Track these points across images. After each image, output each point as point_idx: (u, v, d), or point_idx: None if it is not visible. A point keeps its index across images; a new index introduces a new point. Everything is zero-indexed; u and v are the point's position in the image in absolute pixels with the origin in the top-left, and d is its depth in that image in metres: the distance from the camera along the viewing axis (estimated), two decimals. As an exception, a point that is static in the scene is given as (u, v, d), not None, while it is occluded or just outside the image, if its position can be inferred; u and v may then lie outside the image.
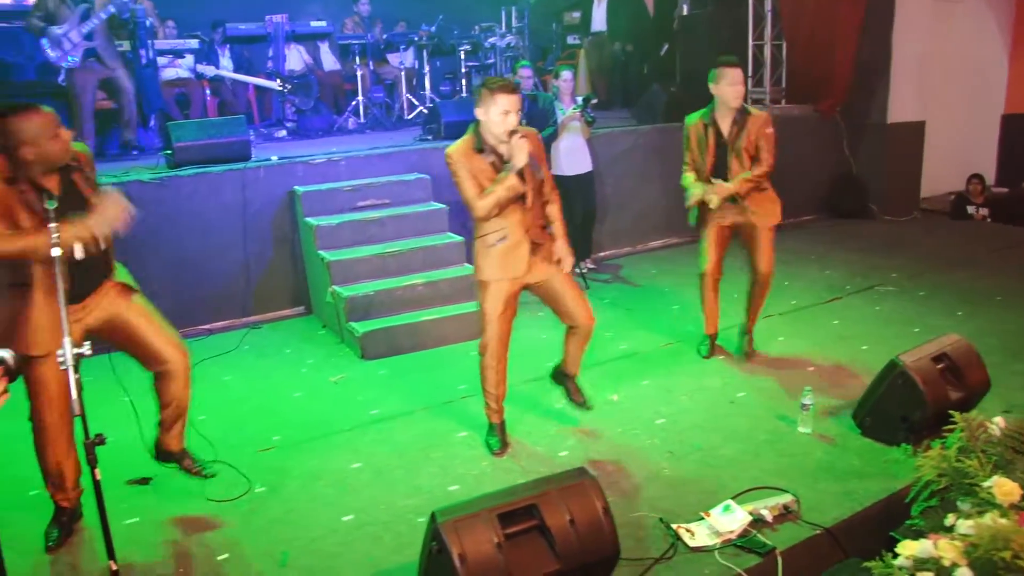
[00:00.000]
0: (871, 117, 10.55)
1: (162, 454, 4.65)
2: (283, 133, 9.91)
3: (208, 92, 10.60)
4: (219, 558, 4.09)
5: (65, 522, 4.28)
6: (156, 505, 4.59)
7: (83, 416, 2.81)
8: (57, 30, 8.05)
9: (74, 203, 3.81)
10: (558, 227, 4.93)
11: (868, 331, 6.70)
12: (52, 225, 3.26)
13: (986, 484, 3.61)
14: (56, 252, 2.87)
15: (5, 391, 2.25)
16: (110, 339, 4.23)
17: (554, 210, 4.91)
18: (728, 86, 5.75)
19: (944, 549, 3.22)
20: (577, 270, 8.35)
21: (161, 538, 4.27)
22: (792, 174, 10.21)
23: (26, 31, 8.42)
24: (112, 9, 8.10)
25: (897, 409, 4.83)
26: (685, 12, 11.58)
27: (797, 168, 10.25)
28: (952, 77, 11.13)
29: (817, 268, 8.54)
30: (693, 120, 5.99)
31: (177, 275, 7.16)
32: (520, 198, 4.62)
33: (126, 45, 8.99)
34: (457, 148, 4.62)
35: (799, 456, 4.82)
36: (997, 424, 3.93)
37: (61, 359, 2.75)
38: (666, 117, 9.52)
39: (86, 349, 2.77)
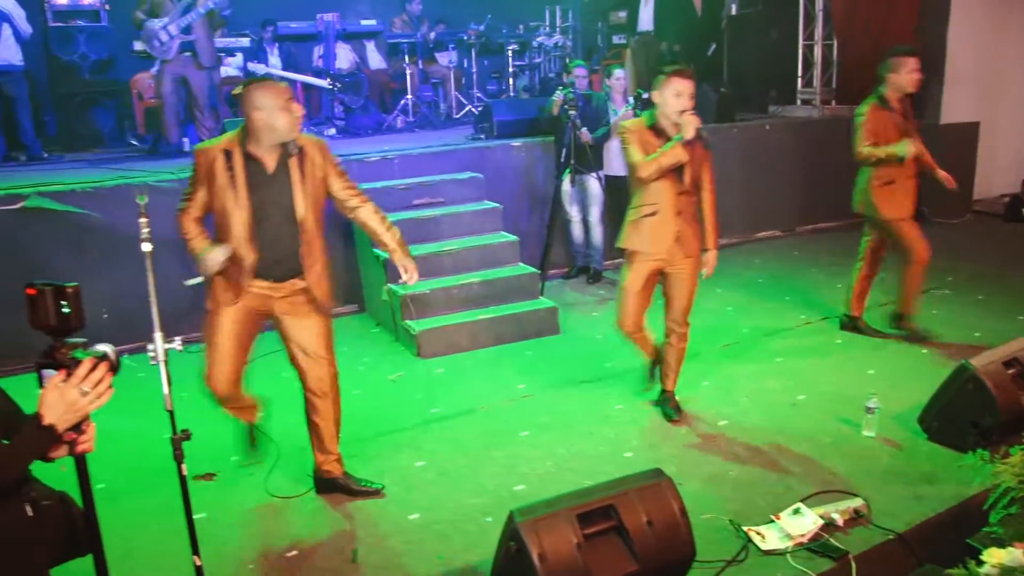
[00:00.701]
0: (924, 118, 10.40)
1: (321, 483, 4.69)
2: (332, 131, 9.94)
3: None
4: (288, 555, 4.10)
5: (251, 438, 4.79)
6: (223, 501, 4.61)
7: (172, 412, 2.82)
8: (156, 24, 8.14)
9: (280, 186, 4.08)
10: (710, 225, 5.25)
11: (936, 335, 6.61)
12: None
13: (1072, 492, 3.56)
14: (146, 247, 2.87)
15: (111, 386, 2.25)
16: (279, 333, 4.46)
17: (709, 207, 5.22)
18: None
19: (1040, 557, 3.17)
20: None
21: (229, 534, 4.29)
22: (841, 176, 10.16)
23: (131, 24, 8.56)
24: (211, 4, 8.18)
25: (967, 414, 4.77)
26: (734, 12, 11.51)
27: (846, 170, 10.16)
28: (1008, 78, 10.98)
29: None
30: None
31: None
32: (678, 179, 4.96)
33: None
34: (633, 122, 5.07)
35: (866, 460, 4.77)
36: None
37: (152, 353, 2.75)
38: (716, 117, 9.47)
39: (176, 344, 2.77)
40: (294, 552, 4.11)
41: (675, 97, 4.84)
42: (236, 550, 4.15)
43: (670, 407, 5.38)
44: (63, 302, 2.21)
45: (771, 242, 9.93)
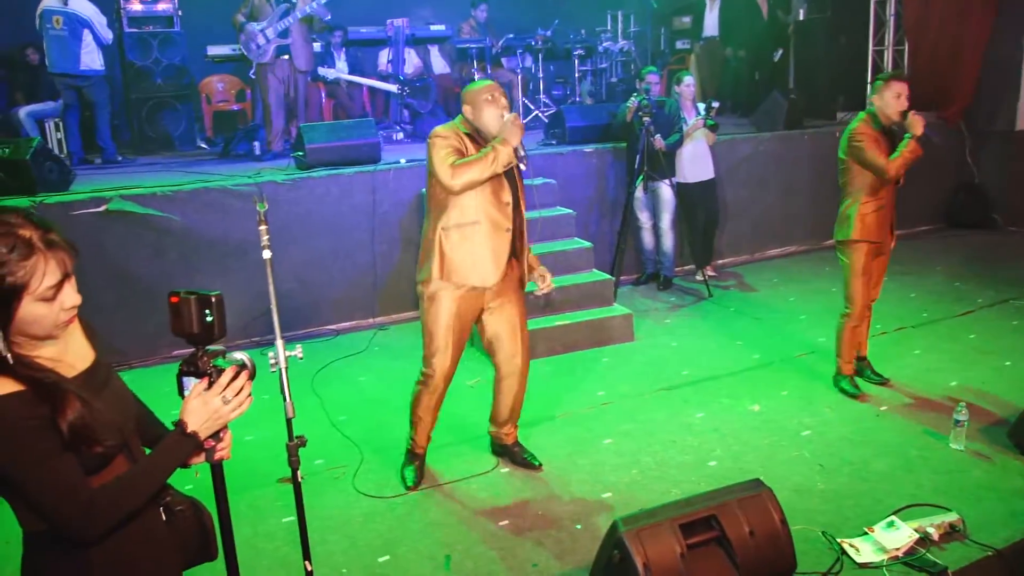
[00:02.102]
0: (997, 124, 10.28)
1: (495, 447, 5.15)
2: (400, 135, 10.02)
3: (324, 94, 10.76)
4: (380, 559, 4.13)
5: (418, 466, 4.88)
6: (310, 503, 4.60)
7: (290, 420, 2.86)
8: (255, 27, 8.28)
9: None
10: None
11: (1009, 346, 6.54)
12: None
13: None
14: (267, 255, 2.91)
15: (250, 394, 2.29)
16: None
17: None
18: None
19: None
20: (699, 277, 8.32)
21: (319, 537, 4.33)
22: (910, 183, 10.03)
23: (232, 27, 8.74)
24: (307, 9, 8.30)
25: (1061, 430, 4.72)
26: (801, 17, 11.43)
27: (916, 177, 10.00)
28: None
29: (944, 279, 8.36)
30: None
31: (306, 275, 7.29)
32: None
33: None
34: (865, 123, 5.45)
35: (956, 473, 4.71)
36: None
37: (273, 360, 2.80)
38: (786, 124, 9.41)
39: (298, 352, 2.81)
40: (386, 558, 4.15)
41: (896, 98, 5.34)
42: (328, 555, 4.19)
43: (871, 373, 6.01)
44: (207, 311, 2.25)
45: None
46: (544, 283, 4.73)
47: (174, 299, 2.28)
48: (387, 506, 4.60)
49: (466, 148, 4.36)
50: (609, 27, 13.10)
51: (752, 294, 8.19)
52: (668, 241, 8.23)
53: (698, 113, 8.16)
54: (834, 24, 10.97)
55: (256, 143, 9.20)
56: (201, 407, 2.23)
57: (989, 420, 5.24)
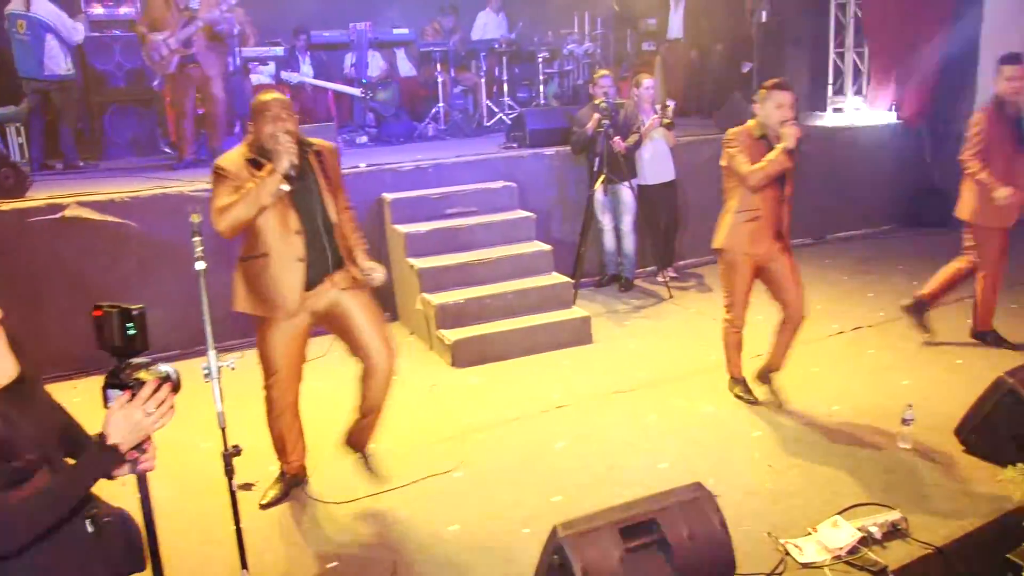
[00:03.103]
0: (955, 125, 10.37)
1: (349, 443, 4.95)
2: (364, 139, 10.02)
3: (288, 98, 10.72)
4: (328, 566, 4.15)
5: (284, 486, 4.77)
6: (260, 513, 4.66)
7: (224, 429, 2.87)
8: (158, 37, 8.23)
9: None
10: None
11: (961, 345, 6.62)
12: None
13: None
14: (200, 266, 2.93)
15: (173, 406, 2.31)
16: (330, 326, 4.61)
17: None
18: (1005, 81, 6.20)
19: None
20: (660, 278, 8.37)
21: (269, 544, 4.35)
22: (871, 183, 10.15)
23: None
24: (208, 17, 8.26)
25: (1007, 428, 4.76)
26: (764, 19, 11.50)
27: (876, 177, 10.17)
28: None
29: (903, 279, 8.43)
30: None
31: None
32: (780, 186, 5.30)
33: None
34: (737, 129, 5.40)
35: (902, 472, 4.78)
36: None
37: (206, 371, 2.81)
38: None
39: (230, 363, 2.83)
40: (334, 564, 4.17)
41: (776, 108, 5.17)
42: (276, 562, 4.21)
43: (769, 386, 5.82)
44: (129, 324, 2.26)
45: (801, 250, 9.86)
46: (373, 280, 4.60)
47: (97, 312, 2.29)
48: (338, 511, 4.61)
49: (245, 180, 4.18)
50: (576, 29, 13.13)
51: (713, 295, 8.23)
52: (629, 243, 8.27)
53: (656, 116, 8.20)
54: (796, 27, 11.05)
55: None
56: (122, 420, 2.25)
57: (939, 418, 5.29)
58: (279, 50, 10.05)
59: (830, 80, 10.67)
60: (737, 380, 5.84)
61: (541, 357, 6.74)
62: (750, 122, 5.36)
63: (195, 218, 2.85)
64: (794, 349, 6.59)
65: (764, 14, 11.48)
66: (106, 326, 2.27)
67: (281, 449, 4.78)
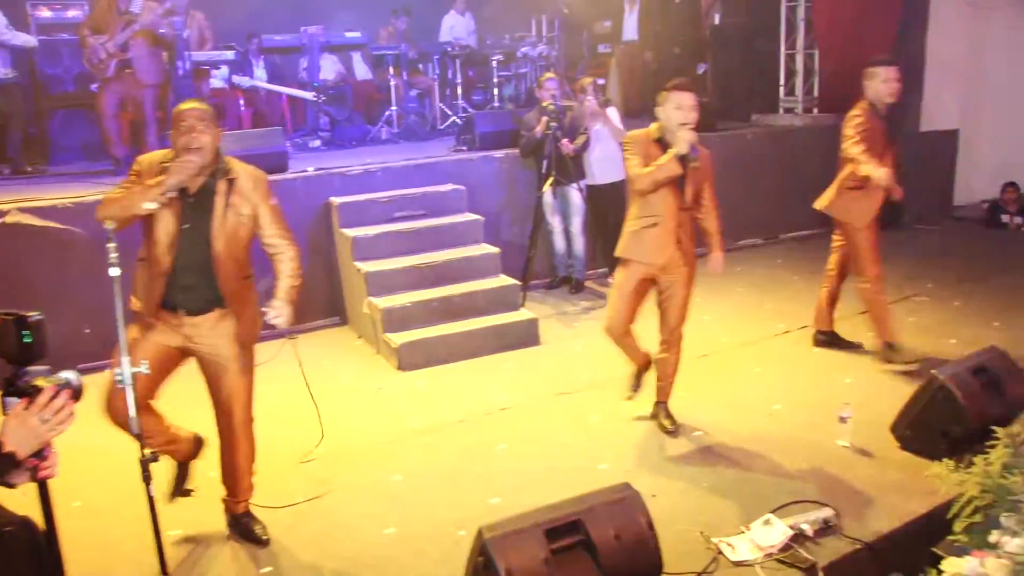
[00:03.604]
0: (904, 125, 10.49)
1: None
2: (317, 143, 9.99)
3: (242, 103, 10.69)
4: (262, 571, 4.14)
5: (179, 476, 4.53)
6: (199, 517, 4.62)
7: (140, 436, 2.86)
8: (96, 40, 8.16)
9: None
10: (716, 239, 5.36)
11: (905, 342, 6.66)
12: None
13: (1033, 501, 3.62)
14: (114, 272, 2.91)
15: (72, 413, 2.30)
16: (200, 367, 4.27)
17: (712, 221, 5.31)
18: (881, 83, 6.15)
19: (991, 567, 3.23)
20: (610, 279, 8.38)
21: (204, 551, 4.33)
22: (824, 182, 10.22)
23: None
24: (145, 21, 8.20)
25: (937, 423, 4.83)
26: (717, 22, 11.59)
27: (829, 176, 10.21)
28: (988, 85, 11.07)
29: (849, 277, 8.48)
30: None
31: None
32: (679, 192, 5.03)
33: (164, 56, 9.09)
34: (636, 133, 5.13)
35: (839, 469, 4.82)
36: (1042, 440, 3.92)
37: (119, 377, 2.80)
38: (698, 127, 9.50)
39: (144, 368, 2.81)
40: (268, 568, 4.15)
41: (676, 110, 4.93)
42: (211, 568, 4.19)
43: (665, 418, 5.44)
44: (25, 332, 2.25)
45: (753, 250, 9.99)
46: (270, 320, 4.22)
47: (-7, 320, 2.28)
48: (275, 516, 4.58)
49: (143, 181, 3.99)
50: (534, 32, 13.16)
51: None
52: (579, 244, 8.30)
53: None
54: (749, 28, 11.14)
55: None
56: (19, 427, 2.23)
57: (879, 416, 5.34)
58: (230, 54, 9.97)
59: (782, 81, 10.74)
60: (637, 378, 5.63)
61: (488, 359, 6.75)
62: (652, 125, 5.12)
63: (109, 224, 2.84)
64: (736, 350, 6.69)
65: (717, 16, 11.57)
66: (2, 334, 2.25)
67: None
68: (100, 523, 4.45)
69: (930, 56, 10.29)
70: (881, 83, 6.17)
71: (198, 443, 4.58)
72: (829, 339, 6.72)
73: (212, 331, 4.14)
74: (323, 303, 7.78)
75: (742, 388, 6.01)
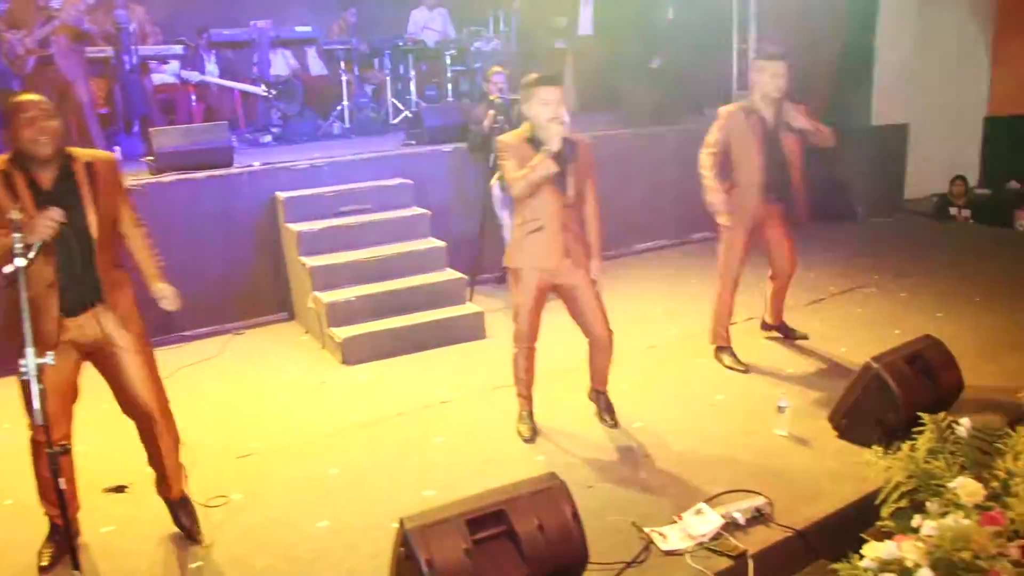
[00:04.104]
0: (855, 119, 10.57)
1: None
2: (268, 138, 9.92)
3: (194, 98, 10.59)
4: (192, 566, 4.10)
5: (59, 540, 4.10)
6: (132, 513, 4.58)
7: (47, 426, 2.81)
8: (14, 36, 8.04)
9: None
10: (595, 239, 5.12)
11: (849, 333, 6.73)
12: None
13: (951, 485, 3.66)
14: (20, 263, 2.86)
15: None
16: (96, 365, 4.12)
17: (593, 221, 5.12)
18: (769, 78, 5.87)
19: (907, 550, 3.26)
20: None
21: (135, 546, 4.27)
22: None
23: None
24: (67, 17, 8.10)
25: (872, 411, 4.87)
26: (671, 16, 11.61)
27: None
28: (936, 79, 11.16)
29: (802, 270, 8.51)
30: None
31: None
32: (560, 191, 4.84)
33: (109, 51, 9.00)
34: (509, 135, 4.95)
35: (775, 458, 4.84)
36: (964, 425, 3.96)
37: (24, 369, 2.75)
38: (650, 120, 9.57)
39: (49, 359, 2.77)
40: (199, 563, 4.11)
41: (542, 106, 4.73)
42: (139, 564, 4.14)
43: (604, 410, 5.41)
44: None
45: (709, 243, 9.90)
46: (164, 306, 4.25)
47: None
48: (209, 511, 4.53)
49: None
50: (491, 28, 13.12)
51: (612, 288, 8.23)
52: (528, 239, 8.27)
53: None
54: (702, 22, 11.16)
55: (117, 147, 9.04)
56: None
57: (817, 406, 5.39)
58: (178, 48, 9.89)
59: (734, 74, 10.78)
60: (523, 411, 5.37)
61: (433, 353, 6.72)
62: (525, 125, 4.90)
63: (16, 214, 2.78)
64: (684, 341, 6.71)
65: (671, 11, 11.59)
66: None
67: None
68: (34, 521, 4.37)
69: (880, 51, 10.35)
70: (769, 77, 5.87)
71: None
72: (779, 330, 6.73)
73: (105, 324, 3.99)
74: (271, 298, 7.72)
75: (686, 379, 6.02)
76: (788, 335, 6.69)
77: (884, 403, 4.80)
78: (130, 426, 4.42)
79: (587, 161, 4.98)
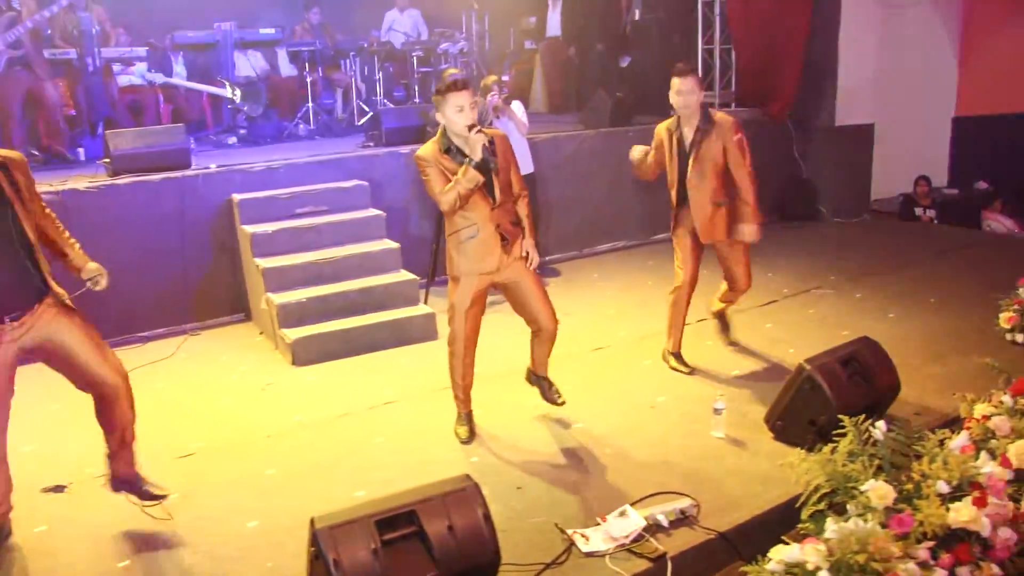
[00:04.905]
0: (820, 120, 10.64)
1: (116, 483, 4.48)
2: (233, 140, 9.93)
3: (162, 99, 10.61)
4: (120, 565, 4.13)
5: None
6: (67, 513, 4.61)
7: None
8: None
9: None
10: (526, 224, 5.08)
11: (799, 334, 6.77)
12: None
13: (863, 488, 3.69)
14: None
15: None
16: (46, 361, 4.14)
17: (523, 207, 5.07)
18: (674, 95, 5.77)
19: (809, 553, 3.29)
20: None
21: (64, 546, 4.30)
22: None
23: None
24: (37, 20, 8.11)
25: (805, 413, 4.89)
26: (637, 17, 11.66)
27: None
28: (903, 80, 11.22)
29: (761, 271, 8.54)
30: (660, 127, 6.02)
31: (115, 283, 7.05)
32: (488, 194, 4.80)
33: (72, 53, 9.00)
34: (425, 149, 4.84)
35: (710, 460, 4.87)
36: (880, 428, 3.99)
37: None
38: (612, 122, 9.60)
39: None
40: (126, 562, 4.15)
41: (457, 113, 4.70)
42: (68, 563, 4.17)
43: (552, 391, 5.44)
44: None
45: (666, 244, 9.99)
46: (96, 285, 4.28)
47: None
48: (143, 512, 4.52)
49: None
50: (464, 28, 13.14)
51: (570, 290, 8.31)
52: (486, 240, 8.30)
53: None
54: (668, 23, 11.21)
55: (80, 148, 9.07)
56: None
57: (758, 408, 5.41)
58: (142, 51, 9.90)
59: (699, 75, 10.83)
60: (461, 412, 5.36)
61: (383, 354, 6.75)
62: (438, 134, 4.87)
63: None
64: (633, 343, 6.74)
65: (637, 12, 11.64)
66: None
67: None
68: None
69: (843, 52, 10.40)
70: (674, 94, 5.77)
71: None
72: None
73: (48, 318, 4.02)
74: (228, 300, 7.74)
75: (630, 381, 6.05)
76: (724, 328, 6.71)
77: (816, 405, 4.82)
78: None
79: (506, 153, 4.92)
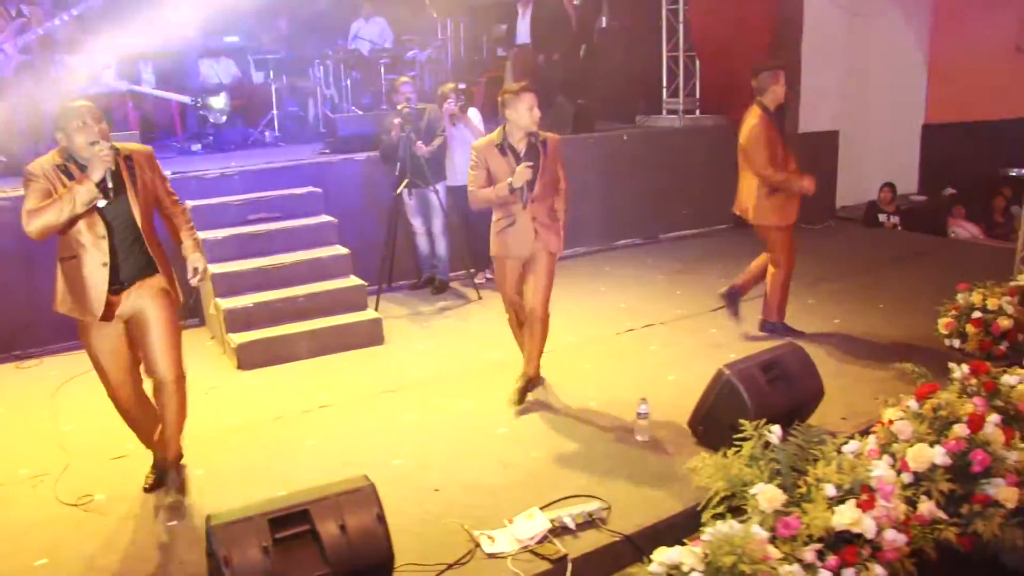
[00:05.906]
0: (783, 127, 10.66)
1: (154, 463, 4.95)
2: (197, 147, 9.99)
3: (131, 106, 10.67)
4: (37, 563, 4.20)
5: (160, 471, 4.87)
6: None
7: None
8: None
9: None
10: (562, 216, 5.86)
11: (741, 340, 6.82)
12: None
13: (752, 492, 3.75)
14: None
15: None
16: (130, 333, 4.68)
17: (560, 202, 5.85)
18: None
19: (684, 555, 3.36)
20: (477, 280, 8.52)
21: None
22: (705, 184, 10.39)
23: None
24: (48, 27, 8.23)
25: (725, 418, 4.91)
26: (604, 24, 11.73)
27: (710, 178, 10.40)
28: (871, 88, 11.31)
29: (717, 276, 8.63)
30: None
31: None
32: (529, 191, 5.56)
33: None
34: (482, 140, 5.80)
35: (630, 464, 4.95)
36: (775, 433, 4.05)
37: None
38: (573, 128, 9.67)
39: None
40: (43, 560, 4.22)
41: (529, 111, 5.53)
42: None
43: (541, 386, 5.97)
44: None
45: (629, 250, 10.10)
46: (196, 277, 4.90)
47: None
48: (68, 511, 4.65)
49: (56, 185, 4.29)
50: (439, 35, 13.21)
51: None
52: (441, 245, 8.40)
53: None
54: (634, 31, 11.29)
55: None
56: None
57: (687, 412, 5.44)
58: (110, 57, 9.96)
59: (664, 82, 10.90)
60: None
61: (328, 359, 6.82)
62: (499, 129, 5.66)
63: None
64: (577, 348, 6.80)
65: (604, 19, 11.71)
66: None
67: (143, 439, 5.01)
68: None
69: (806, 59, 10.46)
70: (781, 87, 6.63)
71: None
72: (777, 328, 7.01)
73: (146, 292, 4.64)
74: (183, 305, 7.78)
75: (567, 386, 6.10)
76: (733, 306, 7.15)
77: (735, 409, 4.86)
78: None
79: (555, 155, 5.70)
